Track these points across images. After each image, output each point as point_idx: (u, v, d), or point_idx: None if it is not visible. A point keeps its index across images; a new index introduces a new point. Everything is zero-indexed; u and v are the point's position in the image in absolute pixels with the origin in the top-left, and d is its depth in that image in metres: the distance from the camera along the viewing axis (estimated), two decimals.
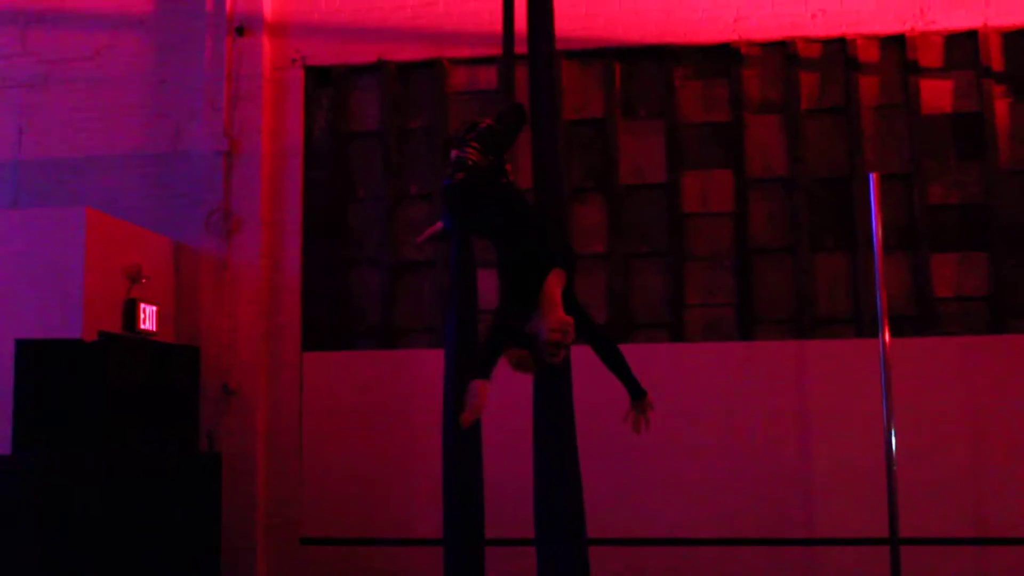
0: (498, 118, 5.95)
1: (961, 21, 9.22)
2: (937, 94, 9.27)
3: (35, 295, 8.24)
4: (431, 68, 9.84)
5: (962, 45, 9.27)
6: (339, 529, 9.31)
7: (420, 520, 9.07)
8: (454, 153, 5.83)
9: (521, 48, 6.36)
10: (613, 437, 8.85)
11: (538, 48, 6.15)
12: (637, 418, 5.80)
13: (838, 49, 9.39)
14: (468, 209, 5.71)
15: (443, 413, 6.08)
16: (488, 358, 5.18)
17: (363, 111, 9.99)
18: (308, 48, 10.00)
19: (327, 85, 10.00)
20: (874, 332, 8.38)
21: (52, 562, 7.46)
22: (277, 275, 9.69)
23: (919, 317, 8.98)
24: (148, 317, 8.96)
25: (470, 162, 5.67)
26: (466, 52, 9.72)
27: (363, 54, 9.94)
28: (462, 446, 5.97)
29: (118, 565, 7.89)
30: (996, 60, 9.20)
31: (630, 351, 8.97)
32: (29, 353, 7.97)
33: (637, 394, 5.82)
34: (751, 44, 9.49)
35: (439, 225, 6.30)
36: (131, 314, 8.78)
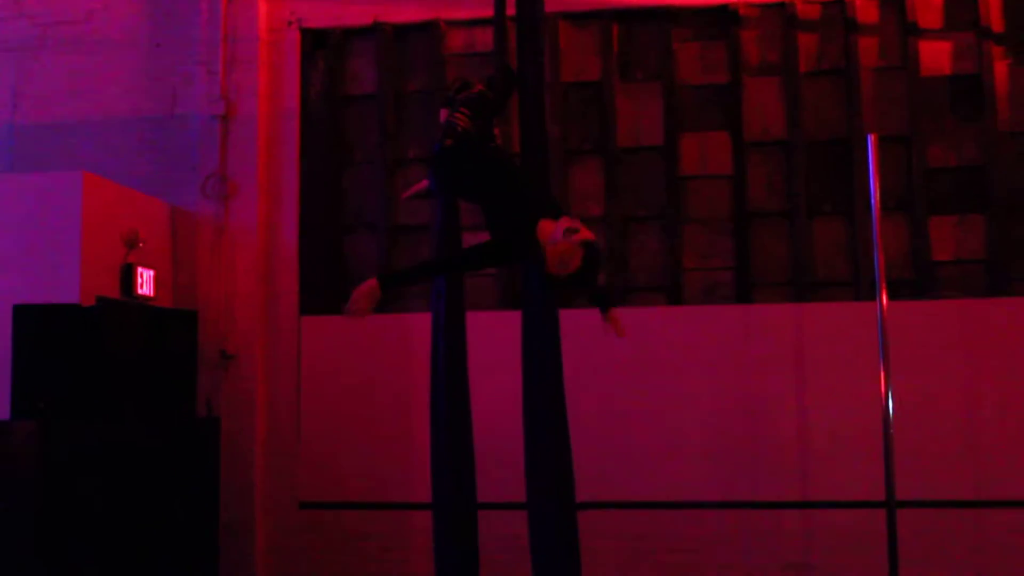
0: (488, 83, 5.93)
1: None
2: (936, 55, 9.22)
3: (32, 260, 8.22)
4: (428, 30, 9.78)
5: (961, 6, 9.22)
6: (337, 493, 9.34)
7: (419, 483, 9.07)
8: (443, 115, 5.82)
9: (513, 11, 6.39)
10: (609, 400, 8.91)
11: (526, 10, 6.16)
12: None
13: (837, 10, 9.34)
14: (456, 174, 5.68)
15: (431, 376, 6.09)
16: (410, 275, 5.31)
17: (360, 74, 9.94)
18: (304, 10, 9.94)
19: (323, 47, 9.95)
20: (872, 295, 8.37)
21: (49, 527, 7.48)
22: (274, 239, 9.67)
23: (917, 280, 8.97)
24: (145, 282, 8.94)
25: (459, 128, 5.64)
26: (463, 14, 9.66)
27: (359, 16, 9.87)
28: (451, 408, 5.99)
29: (116, 530, 7.91)
30: (996, 21, 9.14)
31: (628, 314, 9.03)
32: (26, 319, 7.94)
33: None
34: (749, 5, 9.43)
35: (424, 183, 6.29)
36: (128, 279, 8.76)
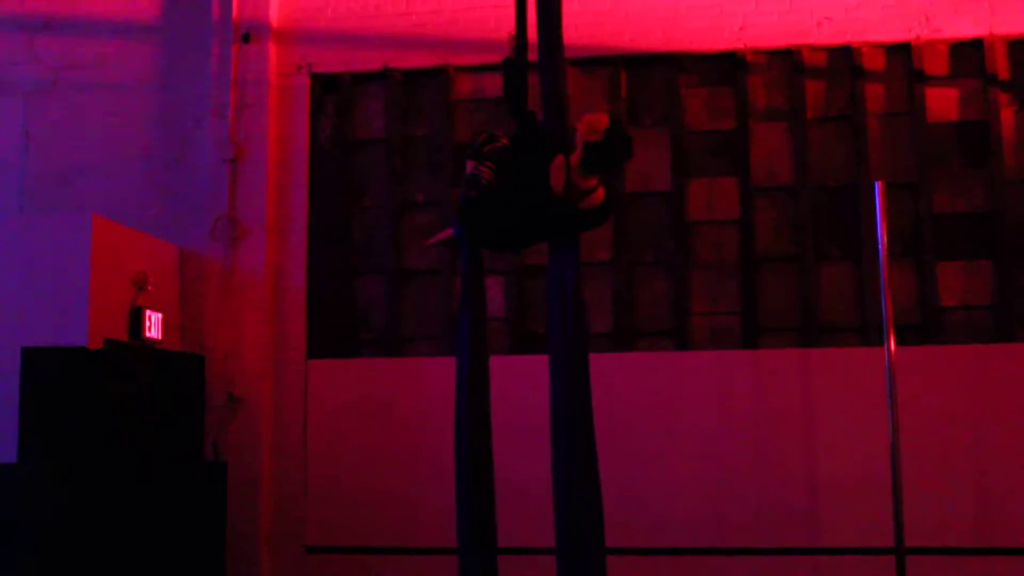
0: (514, 139, 5.87)
1: (966, 29, 9.21)
2: (943, 102, 9.26)
3: (41, 302, 8.23)
4: (437, 76, 9.85)
5: (967, 53, 9.27)
6: (345, 538, 9.30)
7: (427, 528, 9.07)
8: (469, 166, 5.81)
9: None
10: (615, 444, 8.88)
11: (548, 59, 6.11)
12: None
13: (843, 57, 9.39)
14: (481, 226, 5.68)
15: (455, 423, 6.06)
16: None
17: (369, 118, 10.00)
18: (314, 55, 10.01)
19: (333, 92, 10.01)
20: (880, 341, 8.37)
21: (56, 570, 7.47)
22: (282, 282, 9.70)
23: (925, 326, 8.97)
24: (153, 324, 8.96)
25: (483, 181, 5.63)
26: (472, 60, 9.72)
27: (369, 61, 9.95)
28: (473, 452, 5.94)
29: (122, 574, 7.89)
30: (1002, 68, 9.19)
31: (635, 359, 9.08)
32: (35, 361, 7.97)
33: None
34: (757, 52, 9.48)
35: (449, 232, 6.27)
36: (136, 321, 8.78)
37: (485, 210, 5.53)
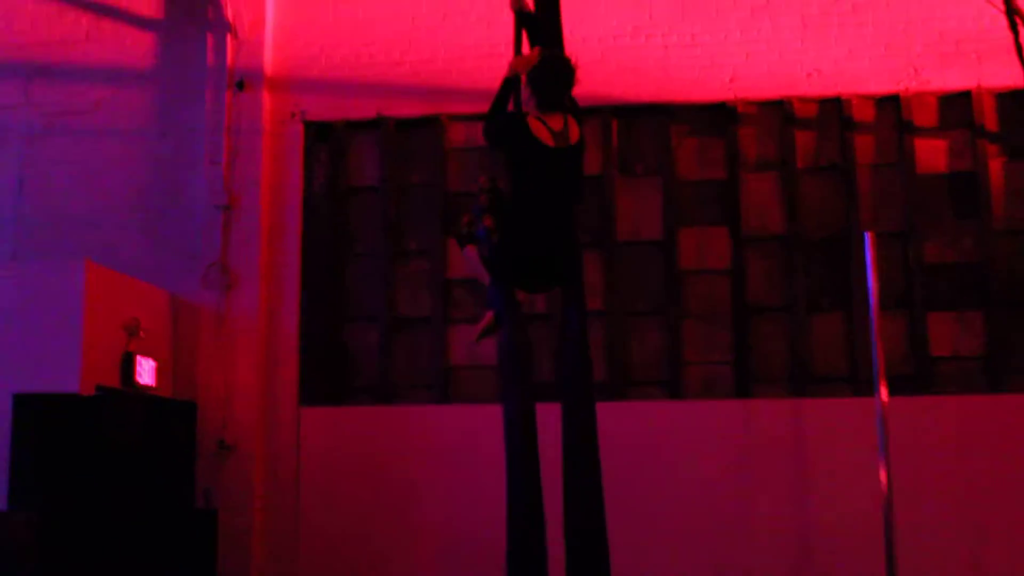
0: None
1: (955, 82, 9.31)
2: (932, 153, 9.34)
3: (33, 348, 8.22)
4: (430, 124, 9.90)
5: (956, 105, 9.36)
6: None
7: None
8: (465, 220, 6.02)
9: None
10: (608, 491, 8.85)
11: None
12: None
13: (833, 108, 9.48)
14: (515, 259, 5.84)
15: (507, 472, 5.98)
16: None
17: (362, 166, 10.03)
18: (308, 103, 10.06)
19: (326, 140, 10.06)
20: (871, 391, 8.37)
21: None
22: (274, 329, 9.69)
23: (916, 376, 9.00)
24: (145, 371, 8.95)
25: (494, 239, 5.91)
26: (465, 108, 9.77)
27: (362, 109, 10.00)
28: (529, 498, 5.87)
29: None
30: (990, 120, 9.28)
31: (627, 408, 9.09)
32: (26, 408, 7.94)
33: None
34: (747, 103, 9.56)
35: (489, 315, 6.19)
36: (128, 368, 8.76)
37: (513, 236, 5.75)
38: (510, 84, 5.75)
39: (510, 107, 5.84)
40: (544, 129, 5.60)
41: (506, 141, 5.72)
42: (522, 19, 6.06)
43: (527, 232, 5.69)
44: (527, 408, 5.76)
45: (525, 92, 5.85)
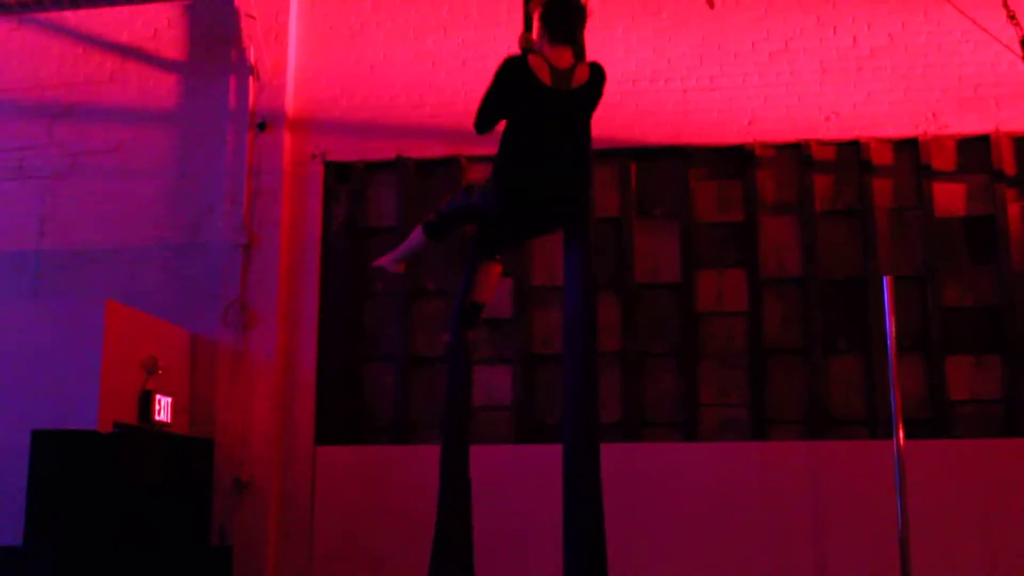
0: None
1: (973, 126, 9.32)
2: (950, 197, 9.34)
3: (52, 385, 8.28)
4: (449, 165, 9.96)
5: (974, 149, 9.37)
6: None
7: None
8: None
9: None
10: (622, 535, 8.83)
11: None
12: None
13: (852, 152, 9.49)
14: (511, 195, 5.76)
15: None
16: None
17: (381, 206, 10.09)
18: (328, 144, 10.14)
19: (346, 180, 10.13)
20: (888, 434, 8.34)
21: None
22: (292, 368, 9.73)
23: (934, 419, 8.95)
24: (163, 408, 8.99)
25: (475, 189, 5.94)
26: (484, 150, 9.71)
27: (382, 150, 10.07)
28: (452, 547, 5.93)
29: None
30: (1008, 164, 9.28)
31: (643, 450, 9.07)
32: (45, 444, 7.99)
33: None
34: (765, 146, 9.59)
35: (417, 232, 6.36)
36: (146, 405, 8.81)
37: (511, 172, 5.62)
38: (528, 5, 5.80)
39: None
40: (546, 68, 5.46)
41: (500, 98, 5.56)
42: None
43: (519, 169, 5.56)
44: (460, 449, 5.84)
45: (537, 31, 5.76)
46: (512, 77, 5.50)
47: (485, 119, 5.65)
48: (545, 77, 5.45)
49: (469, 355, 6.11)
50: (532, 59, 5.48)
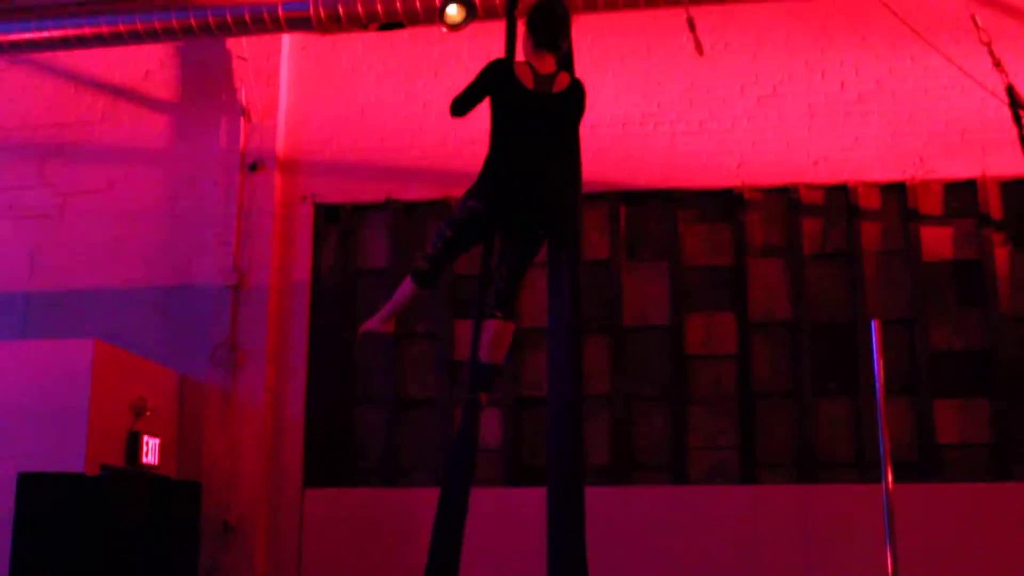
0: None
1: (960, 170, 9.38)
2: (938, 241, 9.38)
3: (39, 427, 8.25)
4: (439, 207, 9.96)
5: (961, 194, 9.42)
6: None
7: None
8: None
9: None
10: None
11: None
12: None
13: (840, 196, 9.54)
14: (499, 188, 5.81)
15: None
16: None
17: (371, 248, 10.10)
18: (318, 185, 10.17)
19: (336, 222, 10.14)
20: (878, 477, 8.32)
21: None
22: (281, 410, 9.70)
23: (922, 463, 8.95)
24: (151, 450, 8.95)
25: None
26: None
27: (372, 192, 10.09)
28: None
29: None
30: (995, 209, 9.33)
31: (632, 493, 9.04)
32: (30, 487, 7.92)
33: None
34: (754, 190, 9.64)
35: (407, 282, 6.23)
36: (134, 447, 8.78)
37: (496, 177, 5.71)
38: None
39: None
40: (529, 73, 5.65)
41: (479, 93, 5.70)
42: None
43: (503, 167, 5.68)
44: (462, 501, 5.81)
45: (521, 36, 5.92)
46: (495, 79, 5.67)
47: (461, 106, 5.76)
48: (528, 82, 5.63)
49: (478, 417, 5.98)
50: (517, 65, 5.67)
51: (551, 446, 5.77)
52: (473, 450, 5.92)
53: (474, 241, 5.92)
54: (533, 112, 5.66)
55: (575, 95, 5.79)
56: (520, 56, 5.84)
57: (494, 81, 5.69)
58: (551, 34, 5.77)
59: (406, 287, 6.05)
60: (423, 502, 9.22)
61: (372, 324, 6.24)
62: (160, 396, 9.27)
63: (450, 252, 5.93)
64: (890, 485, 7.60)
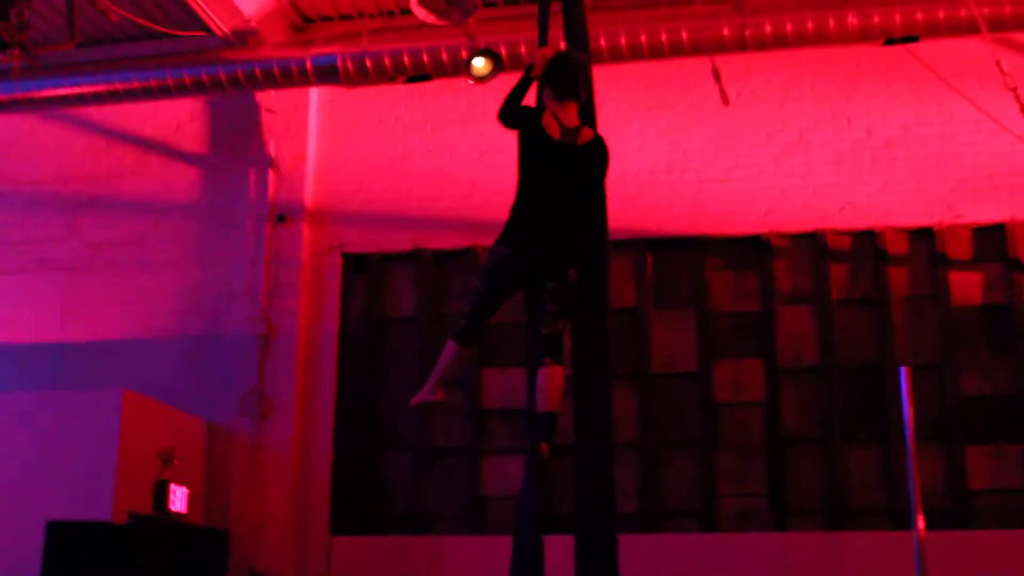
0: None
1: (988, 215, 9.35)
2: (967, 286, 9.33)
3: (67, 476, 8.31)
4: (466, 256, 10.00)
5: (990, 238, 9.37)
6: None
7: None
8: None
9: None
10: None
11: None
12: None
13: (867, 241, 9.52)
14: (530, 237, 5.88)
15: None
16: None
17: (398, 297, 10.14)
18: (346, 236, 10.23)
19: (363, 272, 10.19)
20: (909, 524, 8.23)
21: None
22: (308, 458, 9.70)
23: (954, 510, 8.85)
24: (178, 499, 8.96)
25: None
26: None
27: (400, 242, 10.15)
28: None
29: None
30: None
31: (661, 541, 8.97)
32: (58, 535, 7.97)
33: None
34: (781, 236, 9.62)
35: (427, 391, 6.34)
36: (162, 495, 8.79)
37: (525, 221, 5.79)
38: (529, 73, 5.96)
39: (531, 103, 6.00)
40: (555, 124, 5.74)
41: (519, 125, 5.84)
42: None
43: (530, 216, 5.77)
44: (537, 553, 5.75)
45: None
46: (526, 126, 5.81)
47: (508, 113, 5.88)
48: (554, 132, 5.73)
49: (543, 469, 5.94)
50: (546, 116, 5.77)
51: (581, 494, 5.76)
52: (541, 502, 5.89)
53: (507, 290, 5.97)
54: (559, 161, 5.75)
55: (599, 149, 5.90)
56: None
57: (524, 123, 5.83)
58: (570, 82, 5.85)
59: (449, 351, 6.13)
60: (451, 550, 9.25)
61: (422, 396, 6.33)
62: (188, 444, 9.29)
63: (487, 304, 5.98)
64: (921, 532, 7.51)
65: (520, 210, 5.82)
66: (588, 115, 6.03)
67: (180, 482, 9.00)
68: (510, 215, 5.85)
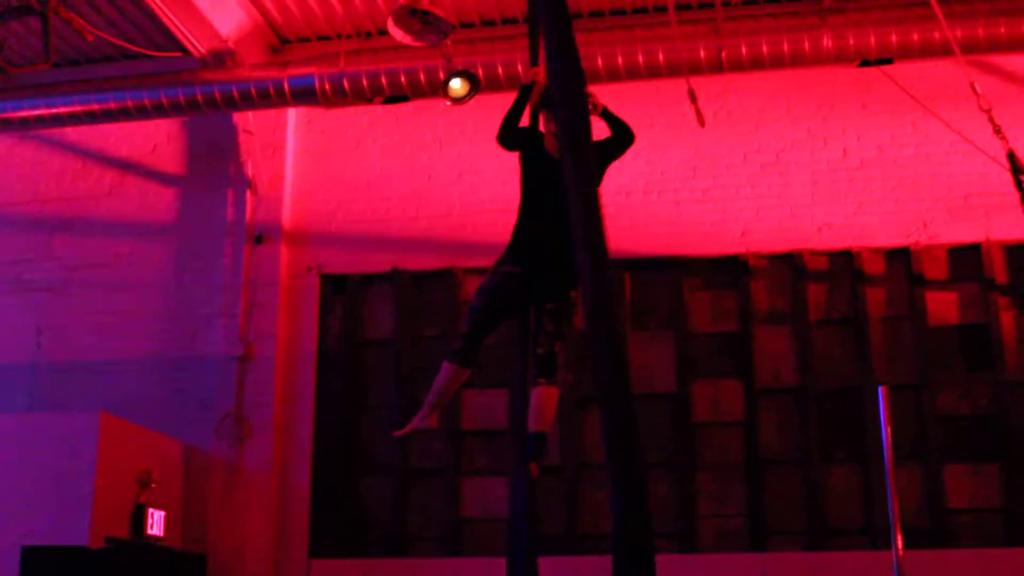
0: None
1: (964, 235, 9.41)
2: (943, 306, 9.38)
3: (44, 500, 8.22)
4: (445, 277, 10.01)
5: (966, 258, 9.43)
6: None
7: None
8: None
9: None
10: None
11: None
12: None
13: (844, 262, 9.56)
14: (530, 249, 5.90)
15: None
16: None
17: (377, 319, 10.12)
18: (324, 257, 10.21)
19: (342, 292, 10.17)
20: (888, 543, 8.25)
21: None
22: (287, 480, 9.66)
23: (933, 529, 8.87)
24: (156, 522, 8.90)
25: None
26: (480, 262, 9.83)
27: (378, 263, 10.13)
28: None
29: None
30: (1000, 273, 9.34)
31: None
32: (34, 560, 7.90)
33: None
34: (759, 256, 9.66)
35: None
36: (139, 519, 8.73)
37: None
38: (526, 91, 5.97)
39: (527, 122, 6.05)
40: (554, 143, 5.75)
41: (519, 147, 5.91)
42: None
43: (533, 233, 5.80)
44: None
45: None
46: (527, 145, 5.90)
47: (506, 135, 5.92)
48: (553, 151, 5.74)
49: (532, 489, 5.90)
50: (547, 135, 5.83)
51: (619, 518, 5.75)
52: (531, 522, 5.86)
53: (507, 310, 5.98)
54: (559, 179, 5.71)
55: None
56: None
57: (524, 142, 5.91)
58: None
59: (444, 373, 6.04)
60: (430, 572, 9.21)
61: (415, 422, 6.25)
62: (166, 467, 9.24)
63: (484, 325, 5.97)
64: (900, 552, 7.51)
65: (524, 229, 5.84)
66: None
67: (157, 506, 8.94)
68: (513, 235, 5.85)
